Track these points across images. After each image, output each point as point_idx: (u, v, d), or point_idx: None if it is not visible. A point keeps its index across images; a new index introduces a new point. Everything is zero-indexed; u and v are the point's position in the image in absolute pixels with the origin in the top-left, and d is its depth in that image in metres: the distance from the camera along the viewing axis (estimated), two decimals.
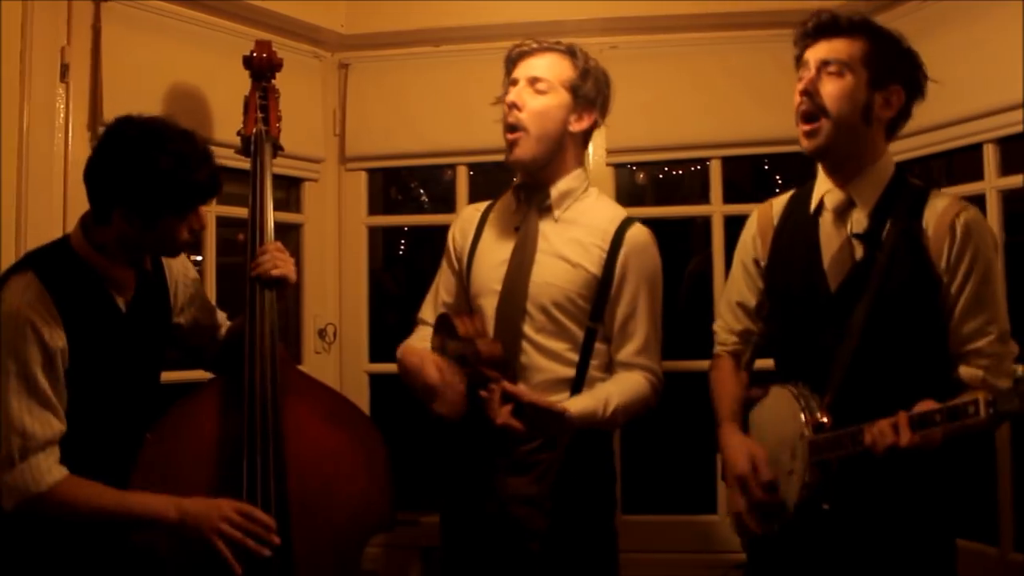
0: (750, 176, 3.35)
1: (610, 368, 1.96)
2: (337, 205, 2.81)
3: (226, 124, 2.29)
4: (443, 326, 1.93)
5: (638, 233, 1.96)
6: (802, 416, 1.64)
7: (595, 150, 2.70)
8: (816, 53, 1.73)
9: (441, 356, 1.86)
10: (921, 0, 2.36)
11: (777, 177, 3.31)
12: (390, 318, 2.99)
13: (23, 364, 1.58)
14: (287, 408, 1.81)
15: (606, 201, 2.09)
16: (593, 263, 1.92)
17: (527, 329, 1.87)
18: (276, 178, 2.11)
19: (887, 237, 1.67)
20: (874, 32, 1.72)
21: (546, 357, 1.88)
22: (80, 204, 2.17)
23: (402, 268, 3.44)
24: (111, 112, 2.20)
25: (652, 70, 2.64)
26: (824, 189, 1.79)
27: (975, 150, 2.26)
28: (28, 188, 2.10)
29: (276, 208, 2.13)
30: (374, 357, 2.82)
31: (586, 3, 2.66)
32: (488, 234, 2.03)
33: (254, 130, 2.04)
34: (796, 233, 1.82)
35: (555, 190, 1.97)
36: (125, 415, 1.77)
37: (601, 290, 1.91)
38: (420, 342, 2.02)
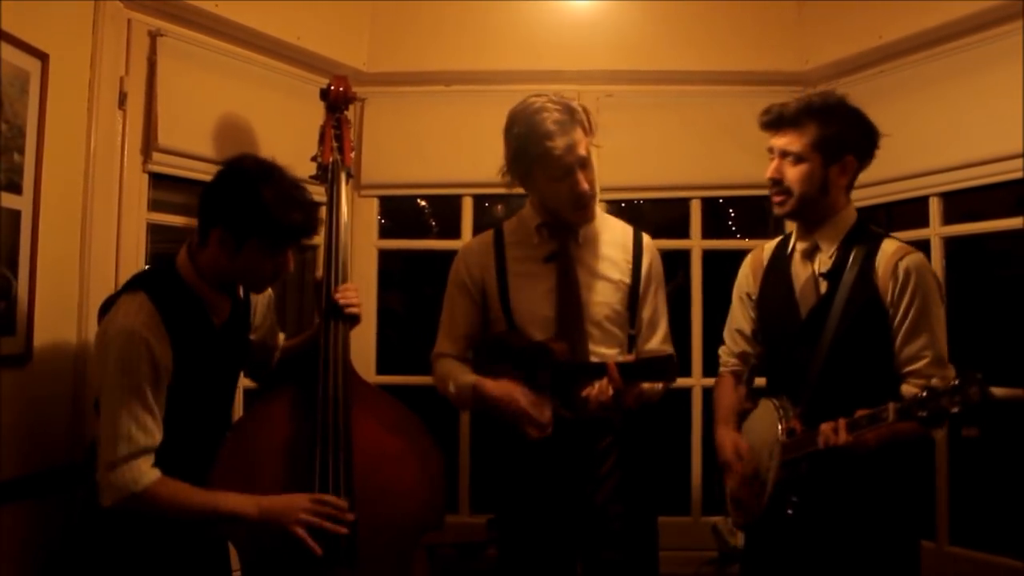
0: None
1: None
2: (350, 229, 3.00)
3: (267, 150, 2.48)
4: (493, 351, 2.14)
5: (649, 240, 2.27)
6: (779, 424, 1.98)
7: None
8: (777, 142, 2.05)
9: (523, 385, 2.02)
10: (875, 70, 2.76)
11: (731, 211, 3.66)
12: (393, 334, 3.21)
13: (135, 378, 1.73)
14: (355, 415, 1.98)
15: (608, 216, 2.34)
16: (625, 274, 2.20)
17: (590, 344, 2.11)
18: None
19: (845, 276, 1.98)
20: (820, 116, 2.00)
21: None
22: (133, 225, 2.39)
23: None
24: (165, 138, 2.42)
25: (644, 117, 2.95)
26: (797, 235, 2.14)
27: (918, 202, 2.65)
28: (93, 204, 2.28)
29: None
30: (380, 369, 3.03)
31: (586, 54, 2.97)
32: (517, 266, 2.19)
33: (331, 159, 2.20)
34: (777, 271, 2.16)
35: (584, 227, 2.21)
36: (209, 421, 1.95)
37: (633, 295, 2.19)
38: (465, 370, 2.19)
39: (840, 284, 1.98)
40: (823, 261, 2.05)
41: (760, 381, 2.28)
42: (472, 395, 2.10)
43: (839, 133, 2.00)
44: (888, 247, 2.00)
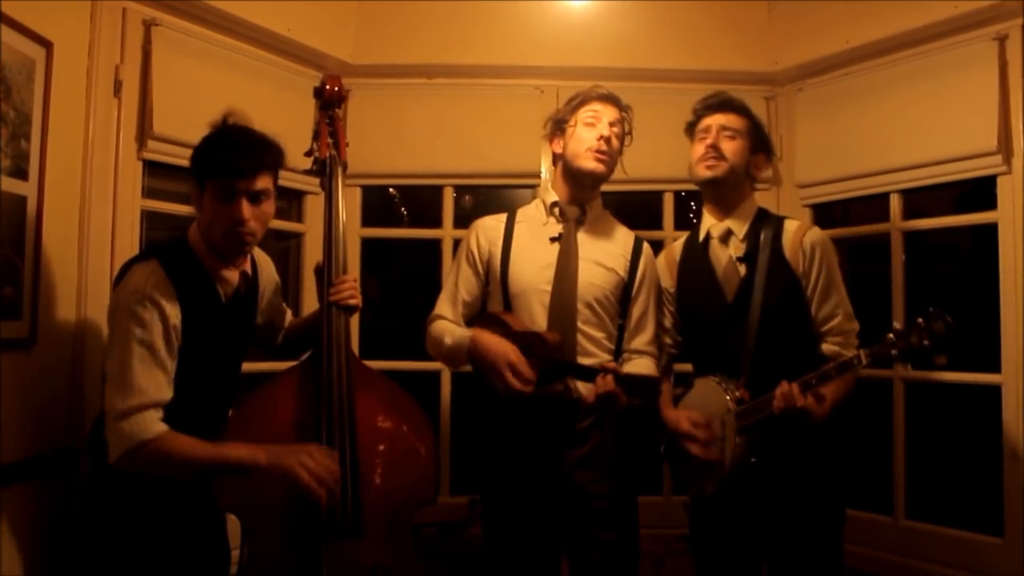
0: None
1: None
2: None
3: None
4: (491, 322, 2.25)
5: (648, 248, 2.42)
6: (726, 396, 2.19)
7: None
8: (716, 120, 2.33)
9: (513, 343, 2.17)
10: (840, 72, 2.93)
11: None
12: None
13: (147, 333, 1.80)
14: (357, 395, 2.05)
15: (615, 220, 2.47)
16: (621, 268, 2.34)
17: (578, 322, 2.25)
18: (280, 190, 2.20)
19: (760, 256, 2.24)
20: (752, 116, 2.37)
21: (592, 344, 2.27)
22: (128, 211, 2.43)
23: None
24: (159, 126, 2.46)
25: None
26: (709, 224, 2.36)
27: (879, 198, 2.84)
28: (91, 190, 2.32)
29: (277, 216, 2.35)
30: (363, 355, 3.09)
31: (565, 51, 3.08)
32: (522, 242, 2.34)
33: (328, 154, 2.25)
34: (694, 261, 2.38)
35: (591, 210, 2.37)
36: (214, 393, 2.02)
37: (626, 290, 2.34)
38: (462, 327, 2.32)
39: (757, 264, 2.24)
40: (736, 245, 2.30)
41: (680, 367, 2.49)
42: (468, 346, 2.24)
43: (760, 133, 2.38)
44: (790, 226, 2.30)
